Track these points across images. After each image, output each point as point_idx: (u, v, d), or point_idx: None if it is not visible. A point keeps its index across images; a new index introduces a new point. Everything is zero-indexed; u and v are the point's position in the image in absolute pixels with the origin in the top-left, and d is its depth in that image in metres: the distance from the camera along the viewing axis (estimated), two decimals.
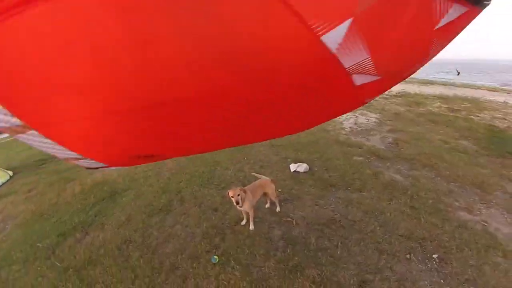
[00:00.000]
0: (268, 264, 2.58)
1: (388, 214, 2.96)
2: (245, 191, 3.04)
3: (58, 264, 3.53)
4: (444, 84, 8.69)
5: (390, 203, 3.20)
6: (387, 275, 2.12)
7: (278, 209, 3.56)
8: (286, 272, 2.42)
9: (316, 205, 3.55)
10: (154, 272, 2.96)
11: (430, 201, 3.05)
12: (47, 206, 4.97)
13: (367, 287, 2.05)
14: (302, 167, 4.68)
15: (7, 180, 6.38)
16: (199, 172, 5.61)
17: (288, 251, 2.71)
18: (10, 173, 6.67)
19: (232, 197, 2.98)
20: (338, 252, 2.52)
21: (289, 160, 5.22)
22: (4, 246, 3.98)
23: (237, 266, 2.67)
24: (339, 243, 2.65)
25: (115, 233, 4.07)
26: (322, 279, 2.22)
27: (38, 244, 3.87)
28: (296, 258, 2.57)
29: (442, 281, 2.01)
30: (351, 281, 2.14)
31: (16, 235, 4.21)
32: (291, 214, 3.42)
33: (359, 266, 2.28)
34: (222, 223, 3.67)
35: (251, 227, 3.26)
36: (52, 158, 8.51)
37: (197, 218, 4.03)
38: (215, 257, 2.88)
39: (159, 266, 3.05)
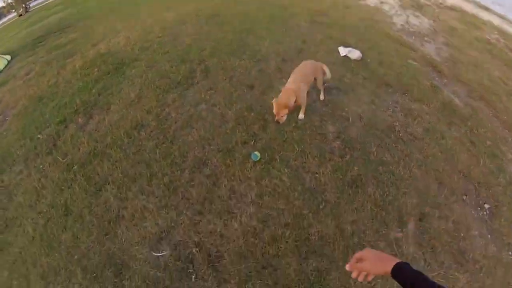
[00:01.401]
0: (324, 170, 2.33)
1: (449, 141, 2.73)
2: (296, 93, 2.35)
3: (61, 160, 2.80)
4: (502, 17, 6.55)
5: (450, 128, 2.89)
6: (446, 214, 2.16)
7: (322, 97, 2.92)
8: (346, 186, 2.27)
9: (373, 104, 3.01)
10: (175, 169, 2.45)
11: (488, 142, 2.84)
12: (46, 88, 4.07)
13: (426, 222, 2.11)
14: (354, 54, 3.75)
15: (5, 66, 5.63)
16: (227, 40, 4.32)
17: (347, 157, 2.44)
18: (8, 57, 5.95)
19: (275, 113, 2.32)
20: (400, 171, 2.36)
21: (335, 41, 4.06)
22: (4, 143, 3.28)
23: (285, 169, 2.33)
24: (401, 160, 2.46)
25: (123, 115, 3.17)
26: (384, 202, 2.15)
27: (39, 136, 3.16)
28: (355, 168, 2.35)
29: (489, 236, 2.11)
30: (412, 212, 2.15)
31: (16, 127, 3.46)
32: (346, 108, 2.88)
33: (421, 196, 2.22)
34: (261, 106, 2.96)
35: (301, 115, 2.70)
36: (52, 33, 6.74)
37: (227, 95, 3.15)
38: (256, 153, 2.37)
39: (181, 160, 2.51)
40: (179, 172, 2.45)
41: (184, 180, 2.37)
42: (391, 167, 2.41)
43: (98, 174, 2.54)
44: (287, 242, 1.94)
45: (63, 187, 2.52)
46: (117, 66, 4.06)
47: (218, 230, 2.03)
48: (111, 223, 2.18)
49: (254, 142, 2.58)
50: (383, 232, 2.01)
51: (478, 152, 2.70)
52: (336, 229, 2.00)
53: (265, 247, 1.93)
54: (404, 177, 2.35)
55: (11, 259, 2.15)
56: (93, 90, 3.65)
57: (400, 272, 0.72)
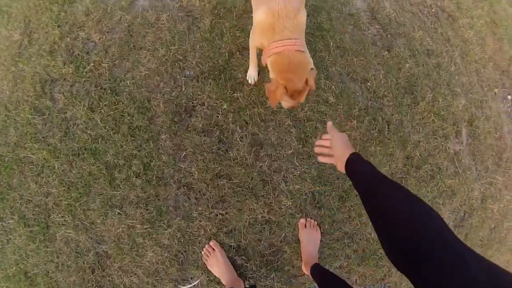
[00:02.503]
0: (373, 73, 1.53)
1: (478, 21, 2.22)
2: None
3: None
4: None
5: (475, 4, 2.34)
6: (487, 114, 1.87)
7: None
8: (403, 92, 1.60)
9: None
10: None
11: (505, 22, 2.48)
12: None
13: (475, 126, 1.80)
14: None
15: None
16: None
17: (394, 49, 1.65)
18: None
19: None
20: (447, 64, 1.80)
21: None
22: None
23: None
24: (444, 48, 1.86)
25: None
26: (439, 109, 1.68)
27: None
28: (406, 65, 1.66)
29: None
30: (464, 116, 1.77)
31: None
32: None
33: (466, 95, 1.84)
34: None
35: None
36: None
37: None
38: None
39: None
40: None
41: None
42: (438, 59, 1.82)
43: None
44: None
45: None
46: None
47: None
48: None
49: None
50: (445, 147, 1.63)
51: (501, 40, 2.35)
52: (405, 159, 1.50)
53: None
54: (451, 71, 1.84)
55: None
56: None
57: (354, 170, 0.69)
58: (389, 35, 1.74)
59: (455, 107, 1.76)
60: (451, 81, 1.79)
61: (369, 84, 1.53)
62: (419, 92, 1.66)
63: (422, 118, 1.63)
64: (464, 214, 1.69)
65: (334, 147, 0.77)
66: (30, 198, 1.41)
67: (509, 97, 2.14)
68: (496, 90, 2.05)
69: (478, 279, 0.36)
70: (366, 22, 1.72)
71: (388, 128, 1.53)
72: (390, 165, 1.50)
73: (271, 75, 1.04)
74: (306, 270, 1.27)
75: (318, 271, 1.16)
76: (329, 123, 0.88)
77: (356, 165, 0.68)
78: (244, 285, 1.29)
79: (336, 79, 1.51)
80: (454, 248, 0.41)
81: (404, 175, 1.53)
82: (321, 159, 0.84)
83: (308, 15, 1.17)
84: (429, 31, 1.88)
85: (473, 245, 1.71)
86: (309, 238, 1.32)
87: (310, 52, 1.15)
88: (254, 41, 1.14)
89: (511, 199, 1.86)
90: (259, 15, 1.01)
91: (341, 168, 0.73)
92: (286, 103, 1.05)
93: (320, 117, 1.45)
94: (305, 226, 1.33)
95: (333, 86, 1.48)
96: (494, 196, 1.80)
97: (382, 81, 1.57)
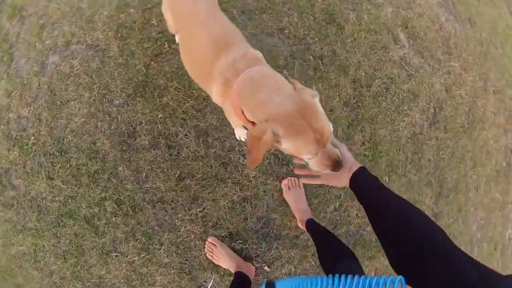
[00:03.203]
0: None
1: None
2: None
3: None
4: None
5: None
6: (420, 11, 1.80)
7: None
8: (323, 23, 1.58)
9: None
10: None
11: None
12: None
13: (410, 27, 1.74)
14: None
15: None
16: None
17: None
18: None
19: None
20: None
21: None
22: None
23: None
24: None
25: None
26: (367, 25, 1.66)
27: None
28: None
29: (450, 16, 1.96)
30: (396, 22, 1.74)
31: None
32: None
33: (392, 3, 1.81)
34: None
35: None
36: None
37: None
38: None
39: None
40: None
41: None
42: None
43: None
44: None
45: None
46: None
47: None
48: None
49: None
50: (388, 57, 1.61)
51: None
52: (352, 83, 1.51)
53: None
54: None
55: None
56: None
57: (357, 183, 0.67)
58: None
59: (384, 17, 1.73)
60: None
61: (286, 31, 1.52)
62: (341, 18, 1.63)
63: (354, 40, 1.61)
64: (435, 110, 1.68)
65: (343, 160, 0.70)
66: (39, 285, 1.47)
67: None
68: None
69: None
70: None
71: (322, 62, 1.51)
72: (339, 94, 1.49)
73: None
74: (302, 226, 1.29)
75: (310, 226, 1.19)
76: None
77: (363, 179, 0.66)
78: (254, 265, 1.32)
79: (253, 41, 1.50)
80: (456, 255, 0.46)
81: (358, 98, 1.51)
82: (306, 181, 0.78)
83: None
84: None
85: (456, 133, 1.72)
86: (296, 196, 1.33)
87: None
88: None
89: (474, 79, 1.84)
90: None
91: (340, 183, 0.70)
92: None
93: None
94: (288, 187, 1.35)
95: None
96: (457, 82, 1.79)
97: (299, 23, 1.55)
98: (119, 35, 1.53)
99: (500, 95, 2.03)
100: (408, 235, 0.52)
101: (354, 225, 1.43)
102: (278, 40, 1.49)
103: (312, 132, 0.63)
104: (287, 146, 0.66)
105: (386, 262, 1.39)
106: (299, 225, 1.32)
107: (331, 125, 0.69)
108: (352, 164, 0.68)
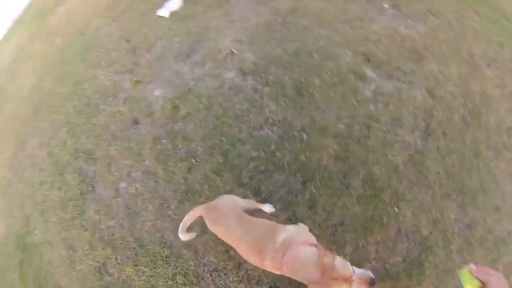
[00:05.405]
0: None
1: None
2: None
3: None
4: None
5: None
6: (375, 38, 2.08)
7: None
8: None
9: None
10: None
11: None
12: None
13: (371, 58, 2.01)
14: None
15: None
16: None
17: None
18: None
19: None
20: None
21: None
22: None
23: None
24: None
25: None
26: None
27: None
28: None
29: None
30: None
31: None
32: None
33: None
34: None
35: None
36: None
37: None
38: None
39: None
40: None
41: None
42: None
43: None
44: None
45: None
46: None
47: None
48: None
49: None
50: (360, 99, 1.85)
51: None
52: None
53: None
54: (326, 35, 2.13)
55: None
56: None
57: None
58: (261, 74, 2.12)
59: (345, 64, 1.97)
60: (327, 52, 2.04)
61: (270, 120, 1.91)
62: (309, 86, 1.93)
63: (326, 99, 1.87)
64: (425, 122, 1.74)
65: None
66: None
67: (385, 5, 2.25)
68: (369, 14, 2.21)
69: None
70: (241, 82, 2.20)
71: (305, 132, 1.81)
72: (327, 153, 1.72)
73: None
74: None
75: None
76: (473, 266, 0.70)
77: None
78: None
79: (249, 139, 1.94)
80: None
81: (345, 149, 1.71)
82: None
83: None
84: (285, 38, 2.21)
85: (458, 131, 1.69)
86: None
87: None
88: None
89: (458, 65, 1.80)
90: None
91: None
92: None
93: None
94: None
95: (248, 146, 1.91)
96: (439, 81, 1.79)
97: (277, 109, 1.93)
98: (160, 160, 2.16)
99: (496, 63, 1.89)
100: None
101: (377, 260, 1.51)
102: (267, 130, 1.88)
103: (339, 280, 0.97)
104: None
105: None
106: None
107: (347, 263, 1.02)
108: None
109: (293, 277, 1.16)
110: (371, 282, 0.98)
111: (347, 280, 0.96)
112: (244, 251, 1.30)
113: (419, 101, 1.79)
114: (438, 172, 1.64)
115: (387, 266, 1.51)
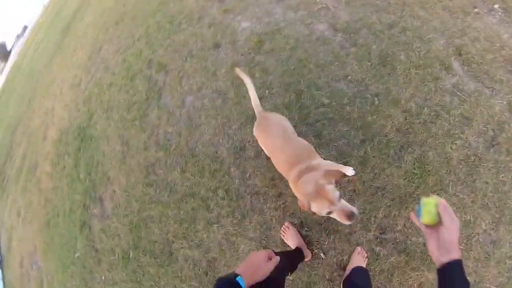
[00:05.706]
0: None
1: None
2: None
3: None
4: None
5: None
6: (474, 35, 2.00)
7: None
8: (372, 61, 2.02)
9: None
10: None
11: None
12: None
13: (465, 53, 1.94)
14: None
15: None
16: None
17: None
18: None
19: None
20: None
21: None
22: None
23: None
24: None
25: None
26: (419, 58, 1.96)
27: None
28: None
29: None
30: (448, 51, 1.97)
31: None
32: None
33: (443, 29, 2.05)
34: None
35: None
36: None
37: None
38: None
39: None
40: None
41: None
42: (401, 24, 2.13)
43: None
44: None
45: None
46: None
47: None
48: None
49: None
50: (438, 86, 1.88)
51: None
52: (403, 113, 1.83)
53: None
54: (417, 26, 2.10)
55: None
56: None
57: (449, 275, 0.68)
58: (351, 34, 2.21)
59: (435, 50, 1.99)
60: (421, 33, 2.07)
61: (349, 77, 2.01)
62: (394, 60, 2.00)
63: (406, 76, 1.94)
64: (494, 132, 1.74)
65: (447, 231, 0.68)
66: (155, 240, 2.13)
67: (496, 6, 2.16)
68: (476, 10, 2.15)
69: None
70: (331, 36, 2.26)
71: (377, 98, 1.91)
72: (392, 123, 1.83)
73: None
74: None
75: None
76: (442, 201, 0.71)
77: (455, 273, 0.66)
78: (313, 250, 1.72)
79: (325, 87, 2.05)
80: None
81: (409, 125, 1.80)
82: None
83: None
84: (383, 8, 2.25)
85: None
86: (357, 262, 1.57)
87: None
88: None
89: None
90: None
91: (437, 259, 0.68)
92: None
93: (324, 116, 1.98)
94: (358, 253, 1.61)
95: (322, 93, 2.03)
96: None
97: (359, 70, 2.02)
98: (235, 84, 2.33)
99: None
100: None
101: (402, 233, 1.63)
102: (344, 85, 1.99)
103: (324, 199, 1.11)
104: (314, 209, 1.15)
105: (430, 276, 1.50)
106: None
107: (337, 192, 1.12)
108: (452, 248, 0.67)
109: (295, 193, 1.34)
110: (350, 215, 1.11)
111: (331, 202, 1.10)
112: (279, 160, 1.50)
113: (495, 110, 1.79)
114: (487, 182, 1.67)
115: (408, 242, 1.62)
